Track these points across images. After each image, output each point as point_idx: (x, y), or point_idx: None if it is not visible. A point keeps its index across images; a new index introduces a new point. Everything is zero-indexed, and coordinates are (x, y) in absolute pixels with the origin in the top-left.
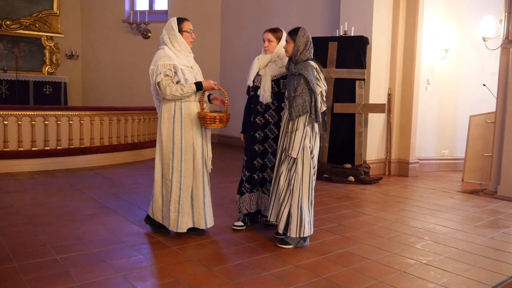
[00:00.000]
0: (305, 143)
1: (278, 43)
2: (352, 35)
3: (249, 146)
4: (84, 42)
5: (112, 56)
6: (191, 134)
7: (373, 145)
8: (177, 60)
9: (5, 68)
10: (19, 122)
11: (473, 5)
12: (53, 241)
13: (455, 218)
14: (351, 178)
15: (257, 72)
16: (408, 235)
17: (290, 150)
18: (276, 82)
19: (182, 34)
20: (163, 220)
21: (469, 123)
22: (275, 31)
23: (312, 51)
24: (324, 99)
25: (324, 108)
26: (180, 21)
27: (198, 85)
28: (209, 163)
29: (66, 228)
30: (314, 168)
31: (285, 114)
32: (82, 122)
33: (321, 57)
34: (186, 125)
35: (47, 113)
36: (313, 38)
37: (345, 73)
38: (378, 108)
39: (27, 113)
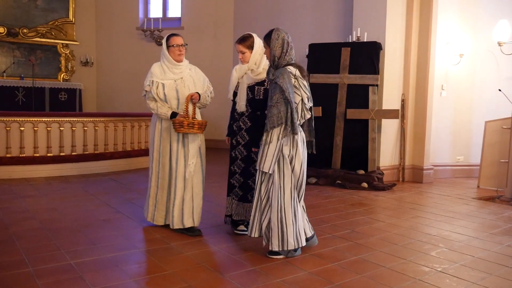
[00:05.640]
0: (284, 152)
1: (251, 52)
2: (365, 40)
3: (230, 151)
4: (99, 49)
5: (126, 63)
6: (168, 141)
7: (386, 151)
8: (161, 75)
9: (22, 75)
10: (35, 128)
11: (488, 9)
12: (67, 246)
13: (470, 225)
14: (365, 185)
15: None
16: (422, 242)
17: (262, 164)
18: (251, 88)
19: (169, 49)
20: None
21: (484, 128)
22: (245, 41)
23: (293, 54)
24: (308, 107)
25: (308, 116)
26: (168, 37)
27: (173, 115)
28: (189, 168)
29: (81, 233)
30: (299, 177)
31: None
32: (96, 128)
33: (334, 63)
34: (164, 132)
35: (63, 119)
36: (326, 44)
37: (358, 79)
38: (391, 113)
39: (43, 119)
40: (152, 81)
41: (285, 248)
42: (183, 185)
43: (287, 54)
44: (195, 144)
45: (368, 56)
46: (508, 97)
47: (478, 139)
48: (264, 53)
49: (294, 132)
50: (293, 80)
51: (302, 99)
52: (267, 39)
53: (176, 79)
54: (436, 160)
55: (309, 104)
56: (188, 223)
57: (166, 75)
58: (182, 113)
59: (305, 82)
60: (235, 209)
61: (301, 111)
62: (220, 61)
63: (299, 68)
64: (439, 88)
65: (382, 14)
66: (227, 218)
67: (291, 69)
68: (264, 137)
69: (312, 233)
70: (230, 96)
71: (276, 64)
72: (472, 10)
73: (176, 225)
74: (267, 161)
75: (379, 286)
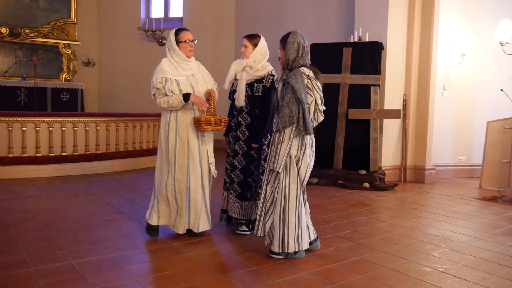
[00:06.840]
0: (291, 152)
1: (254, 49)
2: (367, 40)
3: (228, 147)
4: (101, 49)
5: (128, 63)
6: (185, 140)
7: (388, 151)
8: (172, 71)
9: (24, 76)
10: (37, 128)
11: (490, 9)
12: (69, 245)
13: (472, 225)
14: (366, 185)
15: (235, 77)
16: (424, 243)
17: (275, 164)
18: (250, 85)
19: (179, 45)
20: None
21: (486, 128)
22: (251, 37)
23: (308, 57)
24: (321, 109)
25: (321, 118)
26: (178, 32)
27: (186, 97)
28: (213, 168)
29: (82, 233)
30: (303, 180)
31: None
32: (98, 128)
33: (335, 63)
34: (181, 131)
35: (64, 119)
36: (327, 44)
37: (359, 79)
38: (393, 113)
39: (45, 119)
40: (165, 78)
41: (285, 250)
42: (201, 185)
43: (302, 58)
44: (211, 143)
45: (369, 56)
46: (510, 97)
47: (480, 139)
48: (279, 56)
49: (306, 132)
50: (306, 80)
51: (315, 101)
52: (283, 41)
53: (188, 76)
54: (438, 160)
55: (322, 106)
56: (206, 226)
57: (177, 71)
58: (198, 98)
59: (318, 84)
60: (231, 205)
61: (314, 113)
62: (221, 61)
63: (313, 70)
64: (441, 88)
65: (384, 14)
66: (222, 215)
67: (304, 69)
68: (276, 137)
69: (315, 236)
70: (225, 86)
71: (290, 67)
72: (473, 10)
73: (203, 228)
74: (279, 161)
75: (380, 286)
